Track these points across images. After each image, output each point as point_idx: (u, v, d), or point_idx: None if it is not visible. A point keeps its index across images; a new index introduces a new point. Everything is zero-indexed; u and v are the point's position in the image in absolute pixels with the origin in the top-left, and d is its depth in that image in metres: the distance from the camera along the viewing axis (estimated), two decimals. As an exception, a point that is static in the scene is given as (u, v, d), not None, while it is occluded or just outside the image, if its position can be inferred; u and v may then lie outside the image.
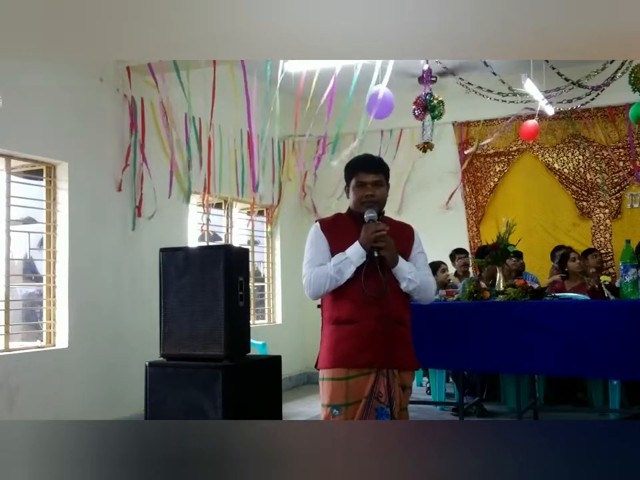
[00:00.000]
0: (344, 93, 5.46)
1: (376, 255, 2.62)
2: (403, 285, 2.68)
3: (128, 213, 5.63)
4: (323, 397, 2.66)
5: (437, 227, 7.61)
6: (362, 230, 2.65)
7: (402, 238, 2.77)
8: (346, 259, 2.62)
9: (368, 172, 2.73)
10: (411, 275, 2.69)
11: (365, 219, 2.68)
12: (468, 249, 7.39)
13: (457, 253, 6.92)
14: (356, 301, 2.63)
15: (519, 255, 6.26)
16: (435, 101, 5.93)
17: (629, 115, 6.04)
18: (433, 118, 6.00)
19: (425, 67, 6.10)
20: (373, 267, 2.62)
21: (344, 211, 2.88)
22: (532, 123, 6.67)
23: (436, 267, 6.37)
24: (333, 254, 2.68)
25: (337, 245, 2.69)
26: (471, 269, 6.97)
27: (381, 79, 5.41)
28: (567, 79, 6.01)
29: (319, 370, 2.72)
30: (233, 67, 5.86)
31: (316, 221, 2.83)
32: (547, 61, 5.99)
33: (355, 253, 2.63)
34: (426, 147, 6.16)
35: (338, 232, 2.73)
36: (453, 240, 7.31)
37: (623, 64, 5.87)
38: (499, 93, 6.48)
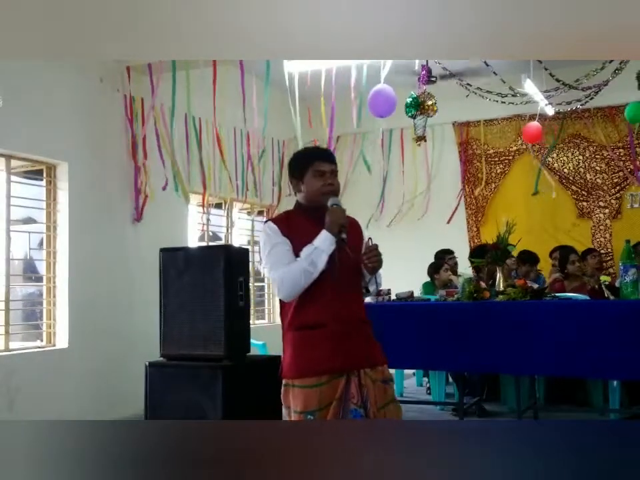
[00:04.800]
0: (343, 92, 5.47)
1: (344, 236, 2.48)
2: (372, 288, 2.62)
3: (128, 212, 5.63)
4: (294, 402, 2.51)
5: (437, 226, 7.63)
6: (328, 215, 2.49)
7: (356, 233, 2.66)
8: (316, 249, 2.45)
9: (326, 161, 2.58)
10: (380, 278, 2.63)
11: (329, 205, 2.52)
12: (468, 249, 7.38)
13: (445, 254, 6.82)
14: (320, 303, 2.50)
15: (533, 259, 6.22)
16: (422, 99, 5.96)
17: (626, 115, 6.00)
18: (427, 116, 6.02)
19: (419, 66, 6.14)
20: (342, 251, 2.49)
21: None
22: (534, 124, 6.66)
23: (438, 266, 6.37)
24: (295, 255, 2.51)
25: (297, 245, 2.51)
26: (470, 269, 6.97)
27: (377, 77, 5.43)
28: (558, 80, 6.01)
29: (283, 379, 2.57)
30: (231, 67, 5.86)
31: (266, 221, 2.64)
32: (540, 62, 5.98)
33: (324, 241, 2.46)
34: (419, 139, 6.18)
35: (295, 231, 2.54)
36: (453, 240, 7.31)
37: (620, 64, 5.86)
38: (498, 94, 6.48)
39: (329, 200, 2.54)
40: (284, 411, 2.58)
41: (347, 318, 2.51)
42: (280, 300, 2.61)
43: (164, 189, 5.88)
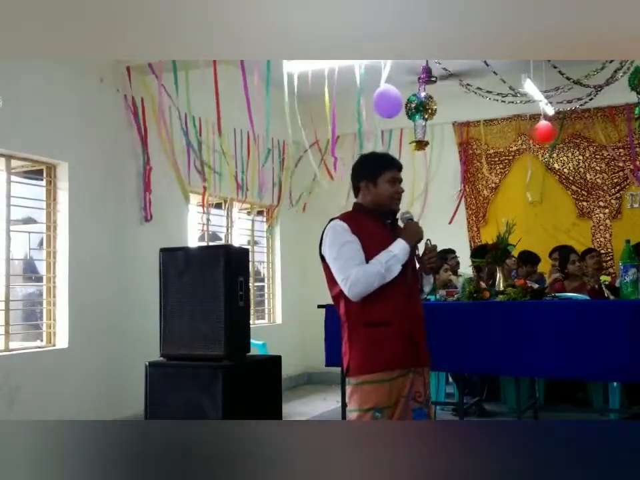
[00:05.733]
0: (343, 93, 5.47)
1: (418, 252, 2.71)
2: (427, 288, 2.83)
3: (127, 212, 5.63)
4: (362, 400, 2.53)
5: (438, 227, 7.62)
6: (406, 227, 2.70)
7: None
8: (394, 256, 2.55)
9: (399, 170, 2.75)
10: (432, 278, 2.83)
11: (403, 220, 2.74)
12: (468, 249, 7.39)
13: (447, 254, 6.83)
14: (391, 302, 2.58)
15: (533, 260, 6.21)
16: (425, 102, 5.93)
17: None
18: (425, 119, 6.00)
19: (422, 66, 6.12)
20: (413, 264, 2.69)
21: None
22: (545, 124, 6.64)
23: (438, 266, 6.37)
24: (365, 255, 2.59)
25: (367, 245, 2.59)
26: (470, 269, 6.97)
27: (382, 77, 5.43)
28: (568, 78, 5.99)
29: (350, 377, 2.59)
30: (232, 67, 5.86)
31: (333, 219, 2.68)
32: (548, 60, 5.98)
33: (402, 250, 2.58)
34: (418, 145, 6.12)
35: (363, 231, 2.63)
36: (453, 240, 7.30)
37: (622, 64, 5.85)
38: (498, 94, 6.48)
39: (398, 211, 2.74)
40: (348, 413, 2.62)
41: (411, 316, 2.64)
42: (342, 298, 2.63)
43: (166, 189, 5.87)
